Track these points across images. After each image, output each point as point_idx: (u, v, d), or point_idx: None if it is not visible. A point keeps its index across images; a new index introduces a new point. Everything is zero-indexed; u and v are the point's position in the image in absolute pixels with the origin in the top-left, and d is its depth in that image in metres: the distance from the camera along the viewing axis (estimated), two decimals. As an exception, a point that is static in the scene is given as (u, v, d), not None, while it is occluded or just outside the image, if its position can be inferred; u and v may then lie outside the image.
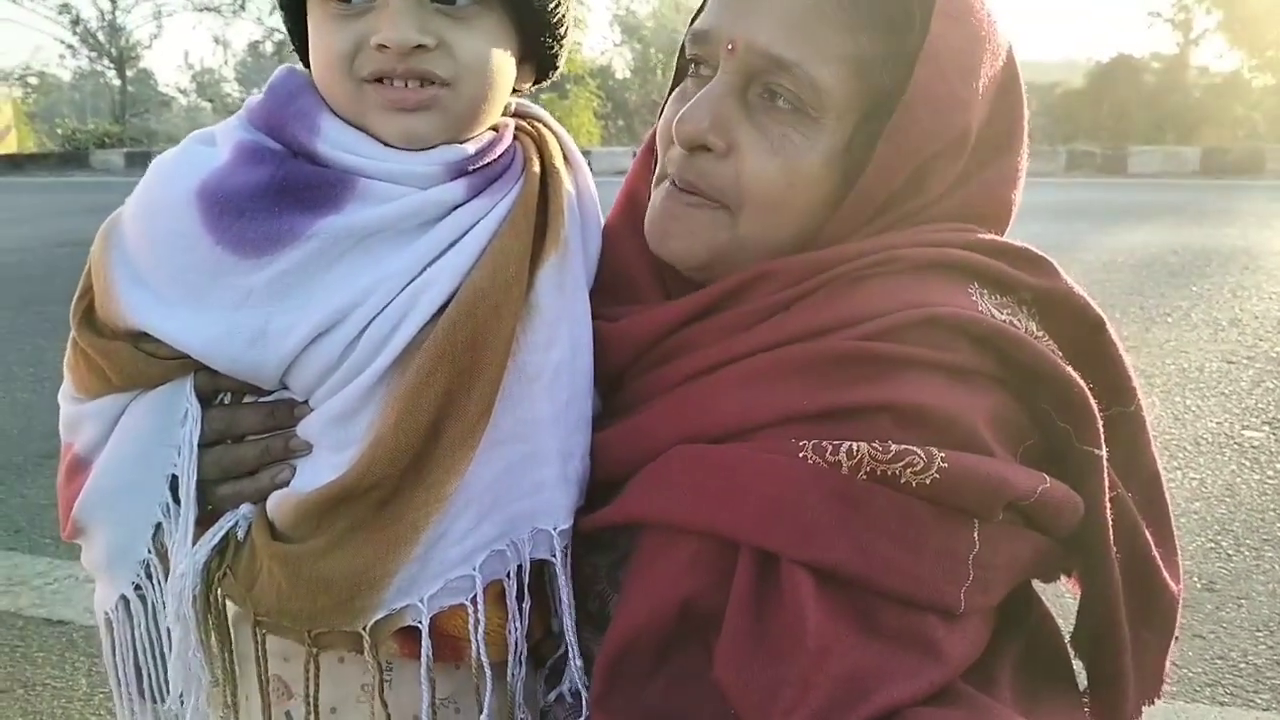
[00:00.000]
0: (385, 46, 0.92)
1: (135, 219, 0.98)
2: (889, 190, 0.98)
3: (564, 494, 0.99)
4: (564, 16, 1.03)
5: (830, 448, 0.86)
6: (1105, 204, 11.16)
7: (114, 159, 19.45)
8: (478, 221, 0.97)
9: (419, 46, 0.92)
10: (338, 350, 0.93)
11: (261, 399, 1.00)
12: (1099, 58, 25.24)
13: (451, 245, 0.96)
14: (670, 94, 1.08)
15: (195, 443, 0.97)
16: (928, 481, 0.84)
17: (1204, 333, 5.86)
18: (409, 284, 0.93)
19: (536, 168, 1.03)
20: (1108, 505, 0.95)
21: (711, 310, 1.00)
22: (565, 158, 1.09)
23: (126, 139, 23.21)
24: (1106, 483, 0.94)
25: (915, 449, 0.84)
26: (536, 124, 1.11)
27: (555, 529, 0.98)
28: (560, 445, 0.99)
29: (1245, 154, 15.72)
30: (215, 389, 1.00)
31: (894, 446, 0.85)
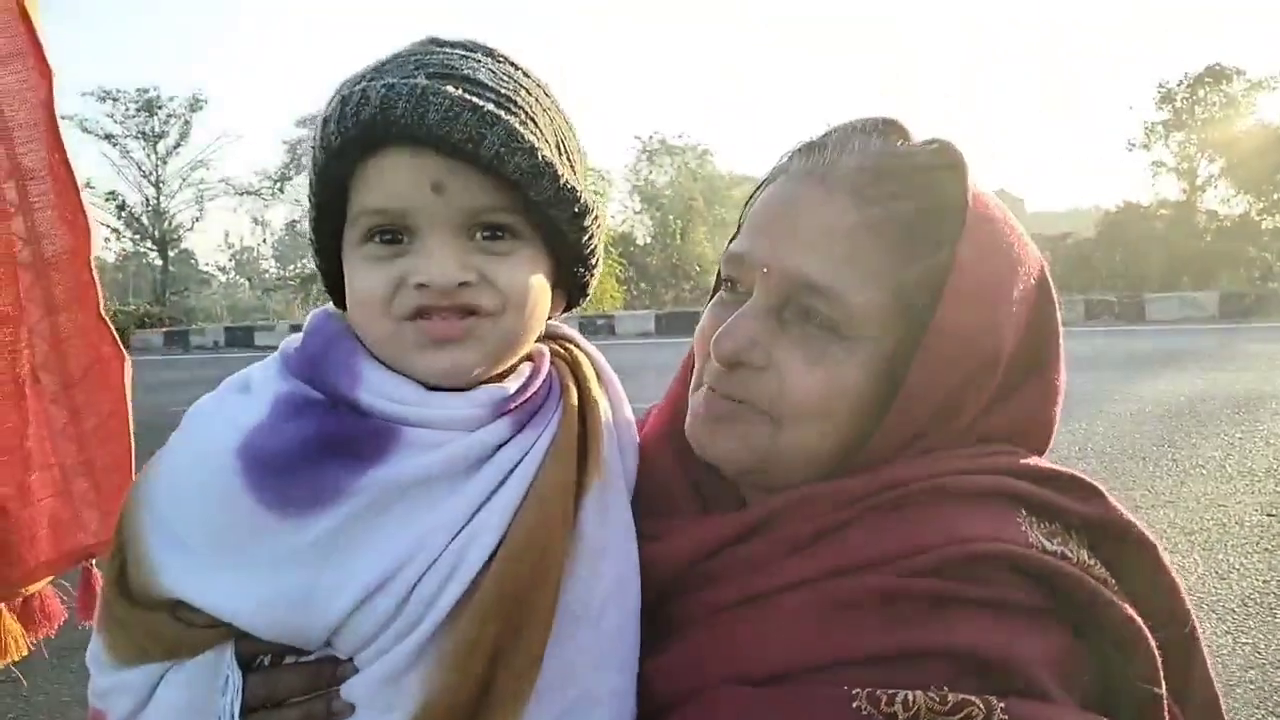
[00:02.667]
0: (426, 285, 0.90)
1: (171, 474, 0.95)
2: (927, 411, 0.98)
3: None
4: (596, 247, 1.03)
5: (885, 698, 0.82)
6: (1127, 352, 11.19)
7: (153, 338, 20.11)
8: (522, 458, 0.95)
9: (462, 284, 0.91)
10: (388, 611, 0.89)
11: (303, 659, 0.95)
12: (1106, 206, 25.86)
13: (498, 487, 0.93)
14: (708, 304, 1.10)
15: (237, 713, 0.92)
16: None
17: (1240, 484, 5.76)
18: (457, 534, 0.90)
19: (574, 396, 1.02)
20: None
21: (752, 533, 0.99)
22: (598, 375, 1.08)
23: (166, 318, 24.04)
24: None
25: (973, 699, 0.81)
26: (568, 345, 1.11)
27: None
28: (611, 685, 0.94)
29: (1262, 297, 15.84)
30: (255, 652, 0.95)
31: (951, 697, 0.82)
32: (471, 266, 0.91)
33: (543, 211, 0.93)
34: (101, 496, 1.59)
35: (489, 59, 0.97)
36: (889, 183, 0.97)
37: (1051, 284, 1.05)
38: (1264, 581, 4.29)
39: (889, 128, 1.03)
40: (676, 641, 0.97)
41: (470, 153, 0.87)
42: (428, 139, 0.87)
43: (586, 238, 1.00)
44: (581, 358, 1.10)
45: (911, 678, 0.84)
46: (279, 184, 33.87)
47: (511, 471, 0.94)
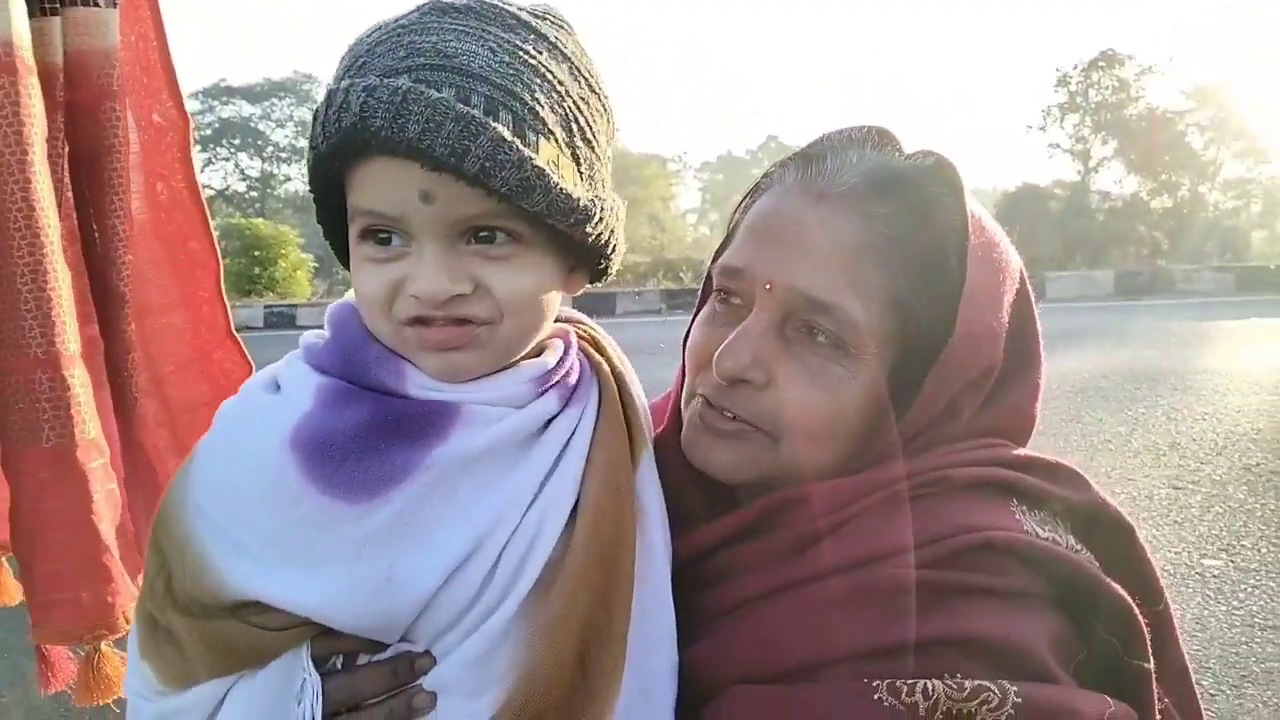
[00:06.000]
0: (418, 297, 0.88)
1: (220, 482, 0.91)
2: (930, 418, 1.01)
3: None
4: (611, 238, 0.98)
5: (905, 688, 0.85)
6: (1031, 329, 11.54)
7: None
8: (574, 431, 0.96)
9: (457, 295, 0.88)
10: (475, 583, 0.88)
11: (378, 657, 0.92)
12: (1004, 186, 26.80)
13: (559, 459, 0.94)
14: (696, 314, 1.11)
15: (318, 717, 0.88)
16: (1003, 718, 0.84)
17: (1146, 459, 6.02)
18: (531, 504, 0.90)
19: (608, 370, 1.03)
20: (1158, 718, 0.95)
21: (752, 532, 1.00)
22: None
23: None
24: (1155, 695, 0.95)
25: (989, 685, 0.85)
26: (581, 325, 1.11)
27: None
28: (670, 658, 0.95)
29: (1155, 275, 16.63)
30: (330, 653, 0.91)
31: (968, 684, 0.85)
32: (466, 275, 0.88)
33: (539, 220, 0.88)
34: None
35: (497, 28, 0.89)
36: (890, 198, 0.99)
37: (1029, 285, 1.10)
38: (1174, 554, 4.48)
39: (883, 139, 1.06)
40: (691, 645, 0.98)
41: (454, 166, 0.82)
42: (408, 152, 0.82)
43: (594, 237, 0.94)
44: (600, 336, 1.11)
45: (927, 665, 0.87)
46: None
47: (568, 444, 0.95)
